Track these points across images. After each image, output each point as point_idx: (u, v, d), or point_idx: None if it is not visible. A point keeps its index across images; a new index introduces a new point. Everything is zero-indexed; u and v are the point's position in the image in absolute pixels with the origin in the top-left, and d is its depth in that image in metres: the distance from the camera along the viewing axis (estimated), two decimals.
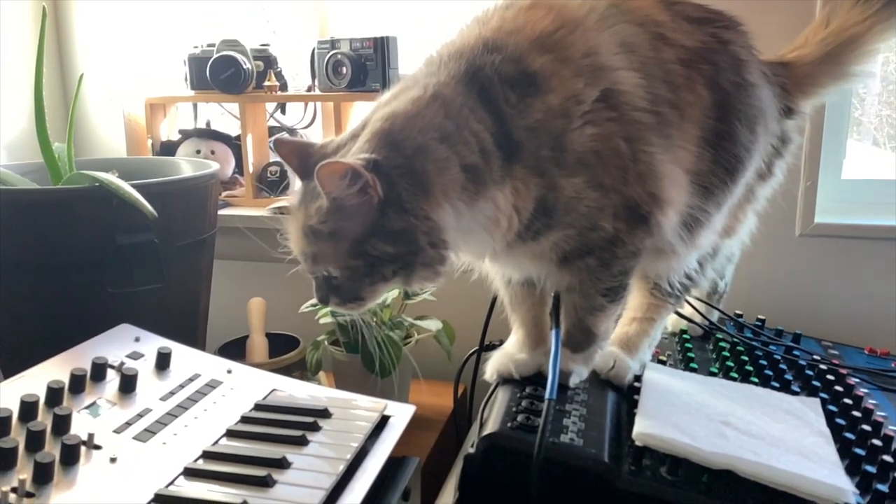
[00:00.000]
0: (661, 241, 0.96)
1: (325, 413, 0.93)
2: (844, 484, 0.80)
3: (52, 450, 0.77)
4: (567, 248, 0.93)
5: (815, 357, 1.20)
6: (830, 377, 1.12)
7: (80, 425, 0.83)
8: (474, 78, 0.86)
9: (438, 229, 0.85)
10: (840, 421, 0.98)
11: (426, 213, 0.84)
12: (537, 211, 0.88)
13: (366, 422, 0.91)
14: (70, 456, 0.77)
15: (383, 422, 0.93)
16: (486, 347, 1.23)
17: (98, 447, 0.80)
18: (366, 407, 0.96)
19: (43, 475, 0.73)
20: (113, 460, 0.79)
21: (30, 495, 0.71)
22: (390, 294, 1.35)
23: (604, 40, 0.90)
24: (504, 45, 0.87)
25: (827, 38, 1.10)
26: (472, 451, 0.87)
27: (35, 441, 0.77)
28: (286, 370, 1.41)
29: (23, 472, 0.72)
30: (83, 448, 0.79)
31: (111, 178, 1.20)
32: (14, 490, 0.70)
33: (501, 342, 1.13)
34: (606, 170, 0.88)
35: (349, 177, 0.80)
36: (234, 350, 1.51)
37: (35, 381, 0.89)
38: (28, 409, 0.81)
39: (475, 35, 0.90)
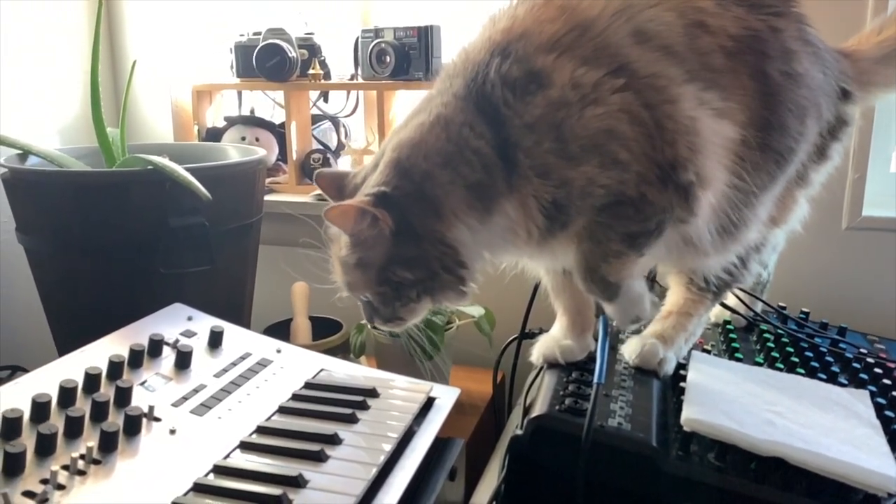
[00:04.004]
0: (697, 215, 0.90)
1: (373, 393, 0.95)
2: None
3: (115, 420, 0.80)
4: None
5: (862, 350, 1.19)
6: (878, 370, 1.11)
7: (140, 398, 0.86)
8: (473, 89, 0.86)
9: (454, 251, 0.87)
10: (889, 413, 0.97)
11: (441, 235, 0.86)
12: (552, 211, 0.87)
13: (413, 402, 0.93)
14: (132, 426, 0.80)
15: (429, 403, 0.95)
16: (527, 335, 1.24)
17: (158, 419, 0.84)
18: (412, 388, 0.98)
19: (108, 444, 0.76)
20: (172, 432, 0.82)
21: (96, 462, 0.74)
22: None
23: (617, 31, 0.86)
24: (511, 52, 0.86)
25: (883, 41, 1.08)
26: (519, 432, 0.88)
27: (100, 411, 0.80)
28: (330, 353, 1.41)
29: (89, 440, 0.76)
30: (144, 420, 0.82)
31: (165, 161, 1.23)
32: (82, 457, 0.73)
33: (542, 330, 1.14)
34: (623, 144, 0.84)
35: (356, 215, 0.84)
36: (279, 332, 1.52)
37: (96, 355, 0.92)
38: (92, 381, 0.84)
39: (485, 38, 0.89)
